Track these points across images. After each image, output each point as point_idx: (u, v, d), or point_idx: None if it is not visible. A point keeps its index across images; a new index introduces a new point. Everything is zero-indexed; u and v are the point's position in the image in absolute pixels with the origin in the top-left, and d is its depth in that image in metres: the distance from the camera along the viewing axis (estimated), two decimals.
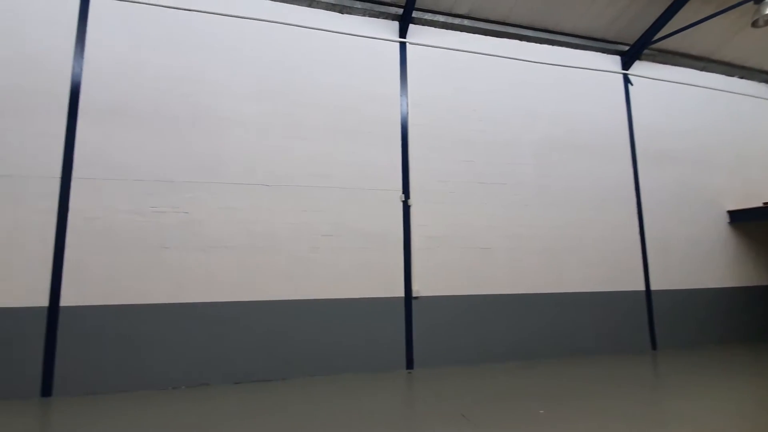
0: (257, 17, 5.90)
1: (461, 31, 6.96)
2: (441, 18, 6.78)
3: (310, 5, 6.23)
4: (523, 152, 6.92)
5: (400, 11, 6.48)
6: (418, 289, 6.01)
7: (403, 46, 6.55)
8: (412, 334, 5.90)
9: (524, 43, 7.31)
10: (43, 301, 4.81)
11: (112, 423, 3.96)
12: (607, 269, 7.08)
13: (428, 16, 6.71)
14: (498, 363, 6.14)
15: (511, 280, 6.53)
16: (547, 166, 7.02)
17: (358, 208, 5.98)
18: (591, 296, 6.87)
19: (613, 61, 7.89)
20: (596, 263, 7.03)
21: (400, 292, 5.97)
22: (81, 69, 5.25)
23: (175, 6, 5.61)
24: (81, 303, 4.93)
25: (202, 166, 5.45)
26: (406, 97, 6.42)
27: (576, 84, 7.45)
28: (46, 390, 4.73)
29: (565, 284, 6.80)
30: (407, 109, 6.39)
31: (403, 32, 6.56)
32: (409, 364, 5.84)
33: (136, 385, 4.92)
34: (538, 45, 7.39)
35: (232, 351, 5.25)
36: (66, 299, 4.88)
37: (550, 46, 7.46)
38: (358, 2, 6.41)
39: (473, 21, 6.96)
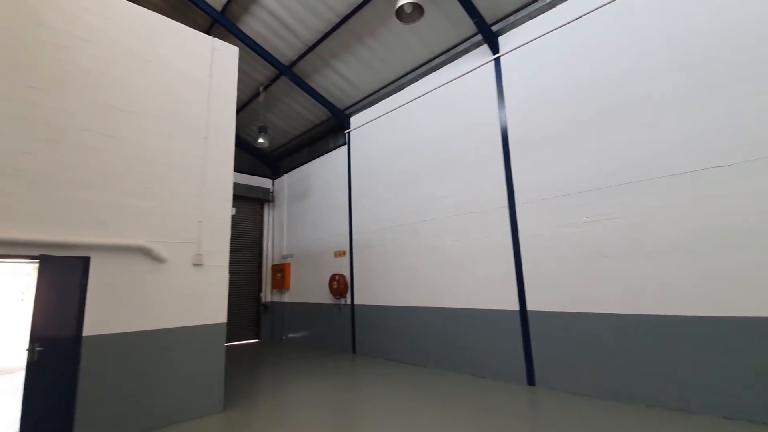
0: None
1: None
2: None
3: None
4: None
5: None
6: None
7: None
8: None
9: None
10: (515, 305, 6.04)
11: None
12: None
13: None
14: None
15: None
16: None
17: None
18: None
19: None
20: None
21: None
22: (505, 117, 6.50)
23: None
24: (540, 309, 5.77)
25: (629, 166, 5.09)
26: None
27: None
28: (531, 379, 5.77)
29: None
30: None
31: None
32: None
33: (607, 394, 5.01)
34: None
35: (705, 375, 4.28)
36: (530, 305, 5.87)
37: None
38: None
39: None
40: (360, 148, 9.57)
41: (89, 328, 4.45)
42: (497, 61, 6.75)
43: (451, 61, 7.58)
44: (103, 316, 4.56)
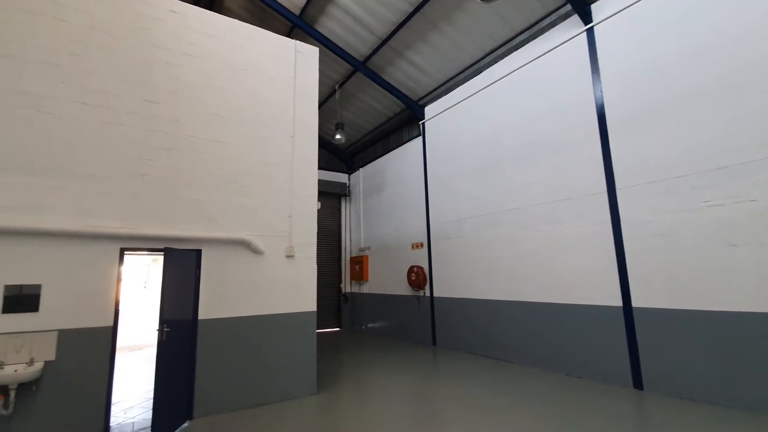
0: None
1: None
2: None
3: None
4: None
5: None
6: None
7: None
8: None
9: None
10: (617, 301, 5.48)
11: None
12: None
13: None
14: None
15: None
16: None
17: None
18: None
19: None
20: None
21: None
22: (601, 93, 5.88)
23: None
24: (648, 305, 5.16)
25: (762, 140, 4.29)
26: None
27: None
28: (637, 382, 5.22)
29: None
30: None
31: None
32: None
33: (735, 403, 4.34)
34: None
35: None
36: (636, 300, 5.29)
37: None
38: None
39: None
40: (435, 138, 9.41)
41: (203, 313, 4.99)
42: (590, 31, 6.11)
43: (535, 37, 7.05)
44: (212, 302, 5.08)
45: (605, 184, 5.72)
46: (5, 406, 3.80)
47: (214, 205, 5.26)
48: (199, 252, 5.08)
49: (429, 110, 9.68)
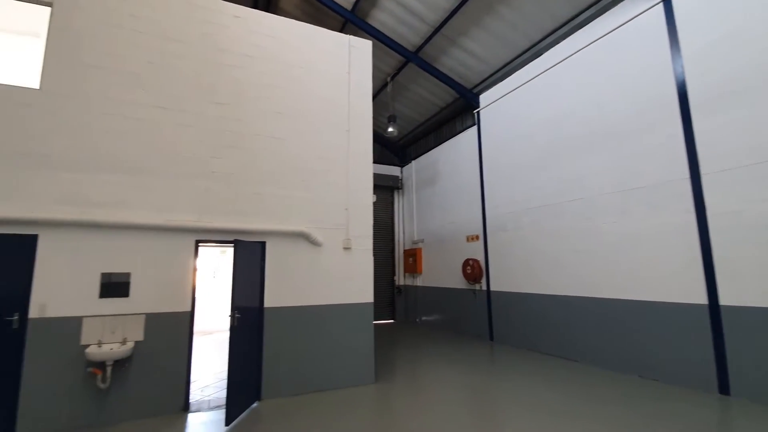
0: None
1: None
2: None
3: None
4: None
5: None
6: None
7: None
8: None
9: None
10: (701, 299, 4.96)
11: None
12: None
13: None
14: None
15: None
16: None
17: None
18: None
19: None
20: None
21: None
22: (682, 70, 5.30)
23: None
24: (738, 303, 4.62)
25: None
26: None
27: None
28: (723, 387, 4.70)
29: None
30: None
31: None
32: None
33: None
34: None
35: None
36: (724, 298, 4.75)
37: None
38: None
39: None
40: (491, 127, 9.08)
41: (268, 301, 5.28)
42: (667, 1, 5.51)
43: (601, 13, 6.51)
44: (276, 291, 5.35)
45: (688, 170, 5.16)
46: (103, 380, 4.30)
47: (275, 199, 5.51)
48: (263, 244, 5.36)
49: (484, 98, 9.36)
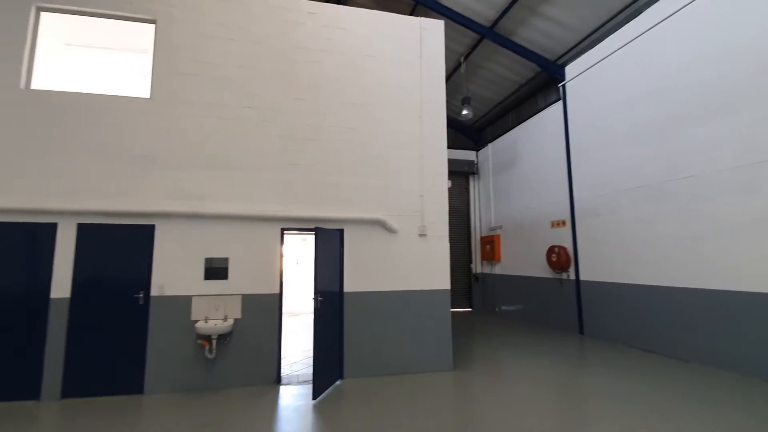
0: None
1: None
2: None
3: None
4: None
5: None
6: None
7: None
8: None
9: None
10: None
11: None
12: None
13: None
14: None
15: None
16: None
17: None
18: None
19: None
20: None
21: None
22: None
23: None
24: None
25: None
26: None
27: None
28: None
29: None
30: None
31: None
32: None
33: None
34: None
35: None
36: None
37: None
38: None
39: None
40: (579, 101, 8.24)
41: (347, 286, 5.50)
42: None
43: None
44: (354, 276, 5.54)
45: None
46: (210, 351, 4.89)
47: (351, 188, 5.67)
48: (341, 231, 5.57)
49: (569, 70, 8.51)
